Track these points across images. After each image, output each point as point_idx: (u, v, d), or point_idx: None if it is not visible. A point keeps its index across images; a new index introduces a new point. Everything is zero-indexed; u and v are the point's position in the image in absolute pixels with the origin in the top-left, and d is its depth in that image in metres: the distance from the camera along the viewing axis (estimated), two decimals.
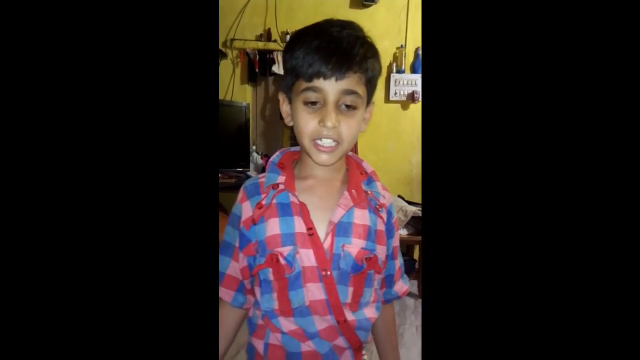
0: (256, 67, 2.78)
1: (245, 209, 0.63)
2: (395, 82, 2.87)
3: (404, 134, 2.90)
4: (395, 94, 2.88)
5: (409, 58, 2.87)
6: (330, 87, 0.57)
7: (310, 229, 0.60)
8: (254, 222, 0.61)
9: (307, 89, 0.57)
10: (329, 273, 0.59)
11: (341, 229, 0.61)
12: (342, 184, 0.65)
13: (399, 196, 2.77)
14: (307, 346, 0.61)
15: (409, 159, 2.95)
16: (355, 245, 0.61)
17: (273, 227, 0.60)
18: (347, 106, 0.59)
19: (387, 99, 2.93)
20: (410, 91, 2.85)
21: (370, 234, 0.63)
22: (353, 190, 0.63)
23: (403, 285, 0.75)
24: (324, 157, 0.60)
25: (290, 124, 0.62)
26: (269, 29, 2.80)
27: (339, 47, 0.57)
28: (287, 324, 0.60)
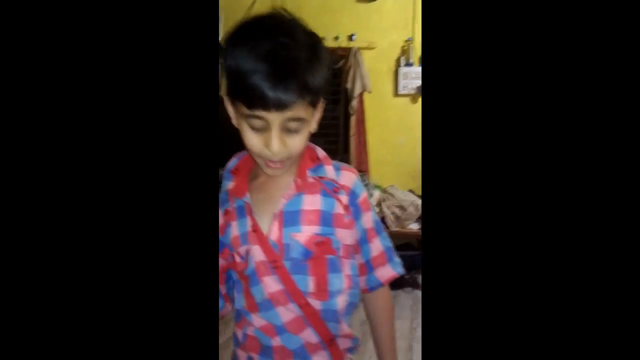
0: None
1: (220, 217, 0.67)
2: (404, 75, 2.85)
3: (413, 127, 2.88)
4: (404, 87, 2.86)
5: (417, 51, 2.84)
6: (274, 117, 0.55)
7: (253, 224, 0.62)
8: (224, 227, 0.66)
9: (250, 116, 0.56)
10: (279, 264, 0.61)
11: (289, 218, 0.63)
12: (291, 175, 0.66)
13: (410, 190, 2.76)
14: (276, 342, 0.62)
15: (419, 152, 2.93)
16: (306, 233, 0.62)
17: (234, 229, 0.64)
18: (293, 130, 0.58)
19: (395, 93, 2.91)
20: (419, 84, 2.83)
21: (324, 219, 0.64)
22: (298, 179, 0.64)
23: (388, 270, 0.70)
24: (273, 171, 0.62)
25: (237, 126, 0.62)
26: None
27: (281, 76, 0.53)
28: (257, 320, 0.63)
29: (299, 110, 0.56)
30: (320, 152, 0.69)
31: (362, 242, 0.69)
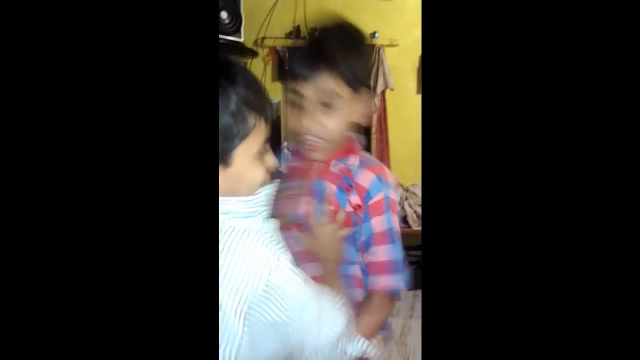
0: (285, 65, 2.81)
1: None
2: None
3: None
4: None
5: None
6: (306, 90, 0.61)
7: None
8: None
9: (289, 90, 0.62)
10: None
11: None
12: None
13: None
14: None
15: None
16: None
17: None
18: (326, 105, 0.61)
19: (418, 91, 2.87)
20: None
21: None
22: (321, 163, 0.69)
23: (385, 281, 0.66)
24: (311, 154, 0.65)
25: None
26: (298, 26, 2.81)
27: (310, 49, 0.62)
28: None
29: (329, 82, 0.59)
30: (357, 144, 0.70)
31: (366, 245, 0.67)
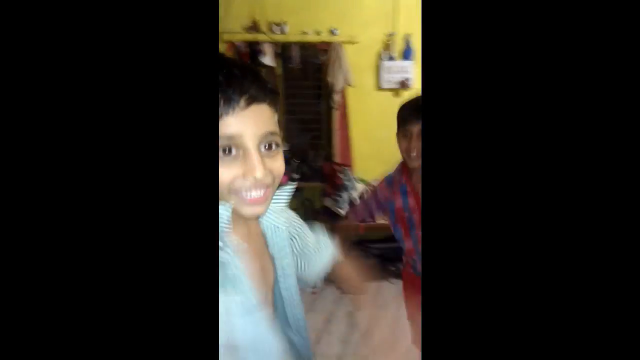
0: (246, 60, 2.76)
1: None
2: (387, 69, 2.86)
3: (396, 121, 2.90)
4: (387, 81, 2.88)
5: (399, 45, 2.86)
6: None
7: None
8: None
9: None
10: None
11: None
12: None
13: None
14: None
15: None
16: None
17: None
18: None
19: (377, 87, 2.92)
20: (401, 78, 2.85)
21: None
22: None
23: None
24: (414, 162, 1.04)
25: None
26: (258, 21, 2.77)
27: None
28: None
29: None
30: None
31: None
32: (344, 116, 2.94)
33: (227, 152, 0.49)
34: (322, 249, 0.80)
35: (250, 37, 2.77)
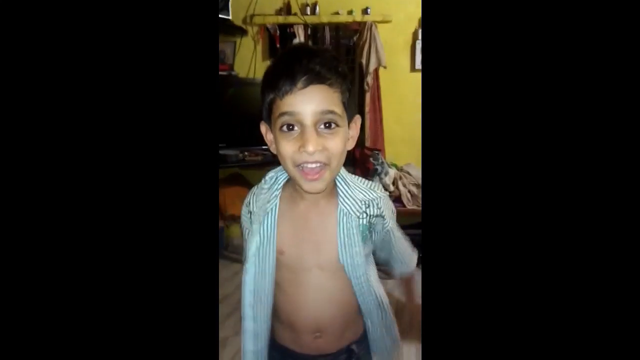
0: (277, 42, 2.74)
1: None
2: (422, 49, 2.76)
3: None
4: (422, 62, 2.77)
5: None
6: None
7: None
8: None
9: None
10: None
11: None
12: None
13: None
14: None
15: None
16: None
17: None
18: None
19: (412, 68, 2.82)
20: None
21: None
22: None
23: None
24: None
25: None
26: (289, 2, 2.73)
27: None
28: None
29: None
30: None
31: None
32: (376, 98, 2.88)
33: (289, 128, 0.56)
34: (405, 257, 0.76)
35: (281, 19, 2.74)
